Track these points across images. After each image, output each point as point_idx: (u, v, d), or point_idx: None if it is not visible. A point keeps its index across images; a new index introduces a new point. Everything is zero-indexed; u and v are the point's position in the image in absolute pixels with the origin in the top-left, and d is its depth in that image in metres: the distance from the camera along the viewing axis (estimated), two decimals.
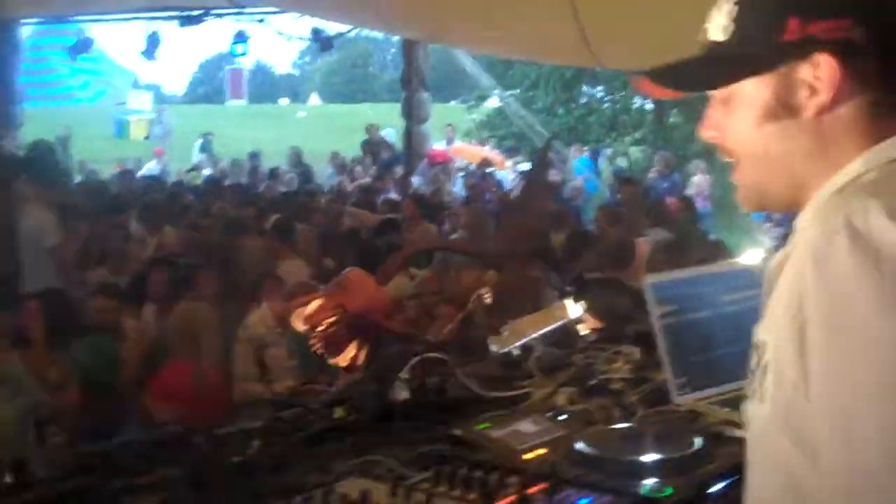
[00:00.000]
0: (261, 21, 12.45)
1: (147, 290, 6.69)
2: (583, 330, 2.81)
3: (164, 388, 5.34)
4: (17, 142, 12.15)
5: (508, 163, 18.64)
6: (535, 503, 1.71)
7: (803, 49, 1.19)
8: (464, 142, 21.83)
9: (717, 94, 1.28)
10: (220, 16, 12.39)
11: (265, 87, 48.40)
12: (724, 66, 1.26)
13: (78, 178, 15.35)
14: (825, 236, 1.08)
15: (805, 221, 1.20)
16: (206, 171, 16.71)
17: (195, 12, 12.18)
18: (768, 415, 1.13)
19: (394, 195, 12.10)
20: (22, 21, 14.02)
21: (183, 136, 28.38)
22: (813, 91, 1.19)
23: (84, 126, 26.84)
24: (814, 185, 1.22)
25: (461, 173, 15.83)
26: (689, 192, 13.77)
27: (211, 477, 1.94)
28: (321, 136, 27.74)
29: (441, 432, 2.15)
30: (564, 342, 2.83)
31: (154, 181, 14.35)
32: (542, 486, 1.75)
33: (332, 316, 3.72)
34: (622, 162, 21.48)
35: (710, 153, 11.07)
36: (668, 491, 1.76)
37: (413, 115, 14.02)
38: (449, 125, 18.85)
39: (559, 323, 2.75)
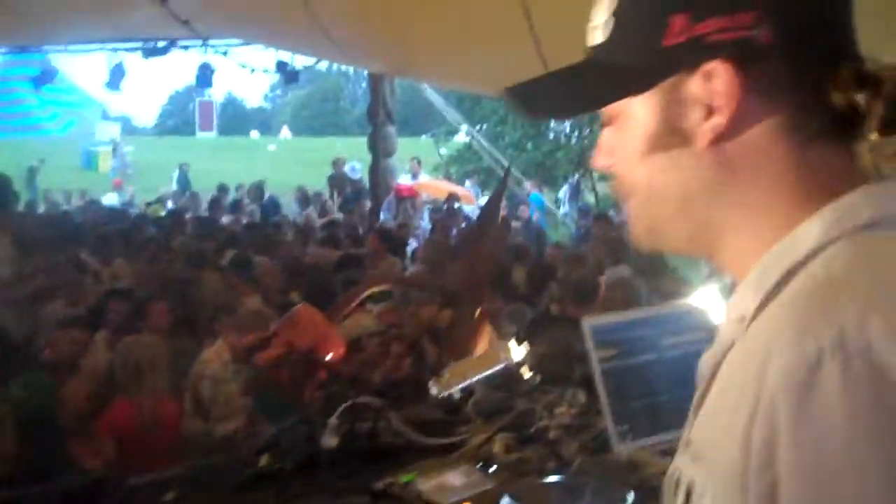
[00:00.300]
0: (224, 53, 12.35)
1: (102, 322, 6.53)
2: (526, 373, 2.72)
3: (108, 425, 5.18)
4: None
5: (480, 198, 18.62)
6: None
7: (692, 55, 0.90)
8: (432, 176, 21.81)
9: (605, 110, 0.99)
10: (185, 48, 12.28)
11: (236, 119, 48.43)
12: (590, 82, 0.97)
13: (41, 209, 15.16)
14: (807, 360, 0.76)
15: (748, 308, 0.88)
16: (170, 204, 16.55)
17: (160, 44, 12.08)
18: None
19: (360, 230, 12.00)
20: None
21: (153, 167, 28.26)
22: (709, 111, 0.90)
23: (52, 157, 26.67)
24: (729, 230, 0.93)
25: (428, 206, 15.78)
26: None
27: None
28: (291, 169, 27.69)
29: (368, 481, 2.05)
30: (507, 385, 2.74)
31: (115, 212, 14.17)
32: None
33: (280, 354, 3.62)
34: (590, 198, 21.51)
35: None
36: None
37: (379, 149, 13.95)
38: (413, 159, 18.77)
39: (501, 365, 2.66)
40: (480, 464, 2.15)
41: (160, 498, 2.01)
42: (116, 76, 13.36)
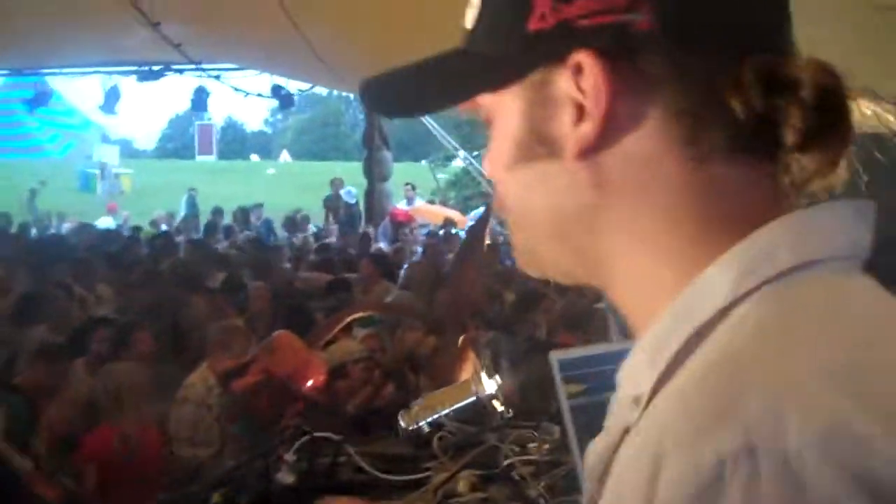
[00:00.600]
0: (217, 78, 12.32)
1: (84, 349, 6.44)
2: (498, 406, 2.63)
3: (89, 453, 5.07)
4: None
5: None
6: None
7: (559, 44, 0.70)
8: (429, 201, 21.77)
9: (484, 109, 0.81)
10: (180, 72, 12.25)
11: (235, 143, 48.58)
12: (445, 74, 0.80)
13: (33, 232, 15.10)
14: (702, 475, 0.57)
15: (642, 387, 0.69)
16: (164, 227, 16.48)
17: (155, 67, 12.05)
18: None
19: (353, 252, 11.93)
20: None
21: (152, 190, 28.26)
22: (579, 115, 0.71)
23: (53, 179, 26.71)
24: (617, 264, 0.74)
25: (425, 231, 15.70)
26: None
27: None
28: (290, 192, 27.65)
29: None
30: (478, 419, 2.65)
31: (107, 235, 14.11)
32: None
33: (258, 381, 3.53)
34: None
35: None
36: None
37: (375, 173, 13.93)
38: (408, 184, 18.70)
39: (471, 398, 2.57)
40: (442, 503, 2.06)
41: None
42: (111, 99, 13.34)
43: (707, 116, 0.68)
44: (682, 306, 0.68)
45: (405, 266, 9.75)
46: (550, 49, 0.71)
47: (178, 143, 48.35)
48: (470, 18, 0.78)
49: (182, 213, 19.93)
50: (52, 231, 15.82)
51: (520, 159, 0.76)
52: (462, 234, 15.79)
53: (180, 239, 12.99)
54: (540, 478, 2.22)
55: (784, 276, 0.66)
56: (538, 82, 0.73)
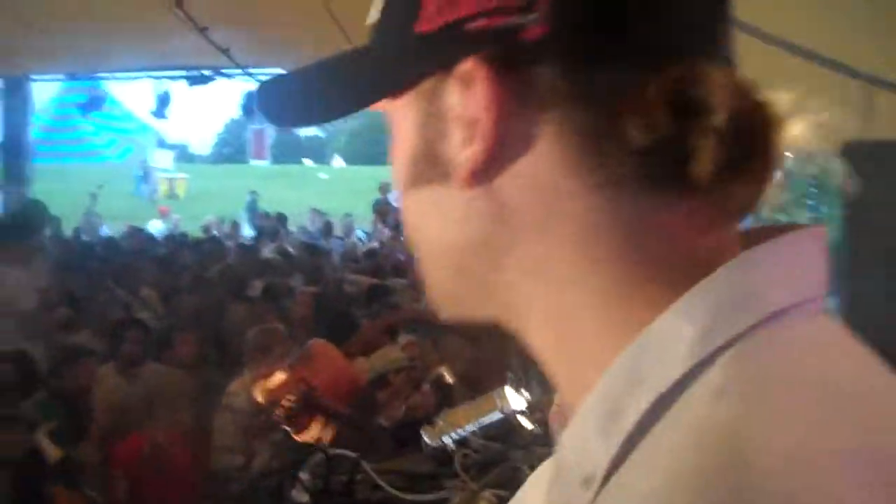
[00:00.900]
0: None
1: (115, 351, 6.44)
2: (526, 423, 2.53)
3: (121, 461, 5.06)
4: (24, 198, 12.05)
5: None
6: None
7: (446, 49, 0.60)
8: None
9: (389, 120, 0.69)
10: (229, 76, 12.28)
11: (289, 147, 48.89)
12: (335, 80, 0.69)
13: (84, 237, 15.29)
14: None
15: (595, 464, 0.55)
16: (215, 232, 16.57)
17: (204, 72, 12.10)
18: None
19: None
20: (35, 78, 13.99)
21: (205, 195, 28.55)
22: (470, 132, 0.60)
23: (111, 183, 27.11)
24: (533, 304, 0.62)
25: None
26: None
27: None
28: (342, 197, 27.76)
29: None
30: (505, 436, 2.55)
31: (155, 239, 14.24)
32: None
33: (294, 391, 3.47)
34: None
35: None
36: None
37: None
38: None
39: (497, 414, 2.48)
40: None
41: None
42: (162, 104, 13.42)
43: (612, 139, 0.56)
44: (631, 366, 0.56)
45: None
46: (439, 55, 0.60)
47: (234, 147, 48.89)
48: (374, 9, 0.66)
49: (243, 215, 20.04)
50: (106, 235, 15.97)
51: (415, 180, 0.65)
52: None
53: (230, 244, 13.05)
54: None
55: (752, 331, 0.54)
56: (430, 92, 0.62)
